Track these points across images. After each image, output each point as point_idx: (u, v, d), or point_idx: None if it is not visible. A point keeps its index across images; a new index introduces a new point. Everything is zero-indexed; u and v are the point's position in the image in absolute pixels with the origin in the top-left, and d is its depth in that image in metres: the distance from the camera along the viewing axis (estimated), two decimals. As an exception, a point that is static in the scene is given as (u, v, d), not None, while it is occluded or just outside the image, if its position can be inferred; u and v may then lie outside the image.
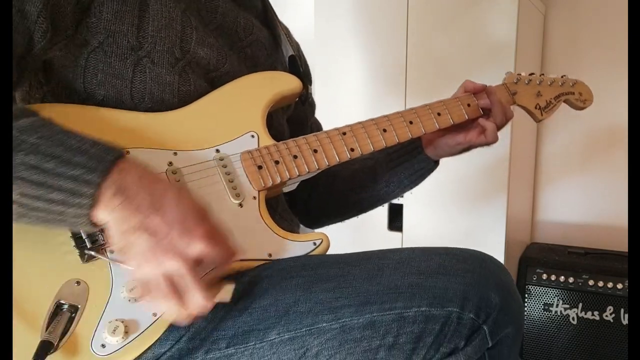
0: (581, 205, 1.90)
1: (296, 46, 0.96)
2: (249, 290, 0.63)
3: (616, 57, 1.78)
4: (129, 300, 0.59)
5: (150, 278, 0.54)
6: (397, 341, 0.59)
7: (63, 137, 0.55)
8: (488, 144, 0.88)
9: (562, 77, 0.94)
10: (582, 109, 0.96)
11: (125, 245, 0.54)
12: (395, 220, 1.72)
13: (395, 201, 1.71)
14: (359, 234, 1.75)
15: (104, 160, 0.54)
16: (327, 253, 0.72)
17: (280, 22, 0.92)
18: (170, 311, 0.55)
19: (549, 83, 0.93)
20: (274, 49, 0.87)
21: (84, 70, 0.66)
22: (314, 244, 0.70)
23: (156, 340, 0.59)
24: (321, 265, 0.65)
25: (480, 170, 1.58)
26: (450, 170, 1.60)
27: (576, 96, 0.95)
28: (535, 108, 0.92)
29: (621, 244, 1.78)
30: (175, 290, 0.54)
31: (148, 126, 0.67)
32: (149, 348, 0.59)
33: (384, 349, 0.59)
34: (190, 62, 0.71)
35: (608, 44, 1.80)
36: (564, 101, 0.95)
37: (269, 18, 0.89)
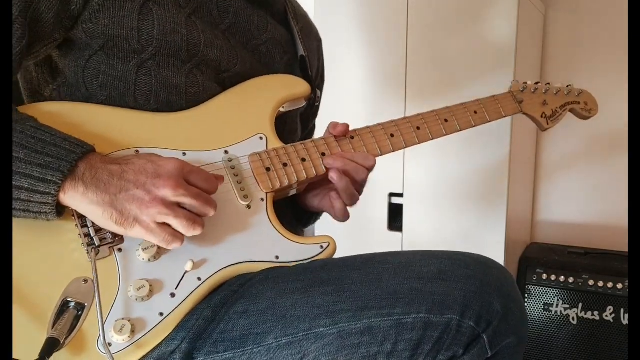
0: (581, 205, 1.89)
1: (315, 45, 0.94)
2: (248, 293, 0.63)
3: (616, 56, 1.78)
4: (136, 299, 0.60)
5: (162, 218, 0.58)
6: (396, 348, 0.58)
7: (35, 132, 0.57)
8: (338, 220, 0.79)
9: (567, 86, 0.95)
10: (587, 118, 0.97)
11: (121, 218, 0.57)
12: (395, 220, 1.72)
13: (395, 201, 1.71)
14: (359, 234, 1.75)
15: (74, 152, 0.57)
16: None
17: (302, 19, 0.91)
18: (198, 228, 0.60)
19: (554, 92, 0.93)
20: (291, 46, 0.87)
21: (84, 71, 0.68)
22: (321, 247, 0.70)
23: (162, 340, 0.60)
24: (320, 269, 0.64)
25: (480, 170, 1.58)
26: (450, 171, 1.61)
27: (581, 105, 0.95)
28: (541, 117, 0.92)
29: (621, 244, 1.78)
30: (184, 210, 0.60)
31: (157, 126, 0.68)
32: (155, 348, 0.59)
33: (382, 356, 0.58)
34: (199, 65, 0.71)
35: (608, 43, 1.80)
36: (570, 110, 0.95)
37: (289, 17, 0.88)
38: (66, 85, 0.69)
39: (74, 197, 0.57)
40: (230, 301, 0.63)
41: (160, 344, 0.60)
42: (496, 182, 1.56)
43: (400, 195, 1.69)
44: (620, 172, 1.81)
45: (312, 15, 1.76)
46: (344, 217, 0.77)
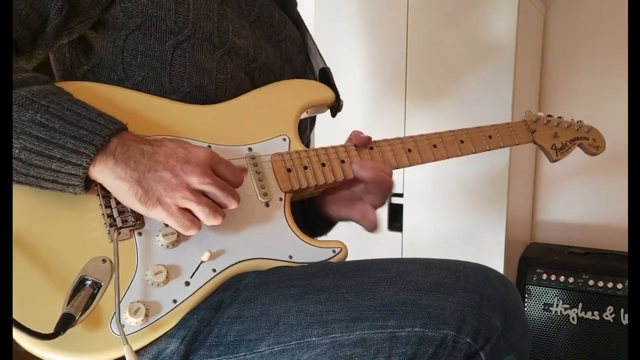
0: (581, 205, 1.90)
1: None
2: (242, 297, 0.63)
3: (616, 56, 1.79)
4: (152, 284, 0.60)
5: (184, 203, 0.58)
6: None
7: (72, 105, 0.58)
8: (366, 230, 0.80)
9: (577, 122, 0.98)
10: (594, 154, 1.00)
11: (145, 197, 0.57)
12: (395, 220, 1.72)
13: (395, 201, 1.71)
14: (359, 234, 1.75)
15: (108, 128, 0.57)
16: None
17: (310, 35, 0.94)
18: (219, 218, 0.60)
19: (565, 126, 0.96)
20: (303, 48, 0.89)
21: (122, 51, 0.69)
22: (334, 251, 0.71)
23: (170, 329, 0.60)
24: (316, 275, 0.64)
25: (481, 170, 1.58)
26: (450, 171, 1.61)
27: (590, 142, 0.98)
28: (552, 148, 0.95)
29: (621, 244, 1.78)
30: (207, 198, 0.60)
31: (186, 116, 0.70)
32: (162, 335, 0.59)
33: None
34: (229, 52, 0.73)
35: (608, 43, 1.80)
36: (579, 145, 0.98)
37: (300, 26, 0.91)
38: (101, 66, 0.70)
39: (102, 171, 0.57)
40: (224, 304, 0.63)
41: (161, 336, 0.60)
42: (496, 182, 1.56)
43: (400, 195, 1.69)
44: (620, 172, 1.81)
45: (312, 14, 1.76)
46: (375, 227, 0.78)
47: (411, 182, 1.67)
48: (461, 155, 0.85)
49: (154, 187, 0.57)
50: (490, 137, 0.88)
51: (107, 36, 0.69)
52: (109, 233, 0.60)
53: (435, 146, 0.83)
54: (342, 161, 0.77)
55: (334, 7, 1.73)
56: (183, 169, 0.58)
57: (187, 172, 0.58)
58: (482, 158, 1.56)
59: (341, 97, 0.86)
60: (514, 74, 1.50)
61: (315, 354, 0.58)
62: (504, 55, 1.50)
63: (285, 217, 0.71)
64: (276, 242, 0.69)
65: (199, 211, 0.59)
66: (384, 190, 0.76)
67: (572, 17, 1.85)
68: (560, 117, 0.97)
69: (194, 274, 0.63)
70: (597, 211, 1.87)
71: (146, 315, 0.58)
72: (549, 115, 0.96)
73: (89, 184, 0.59)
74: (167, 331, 0.60)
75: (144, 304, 0.59)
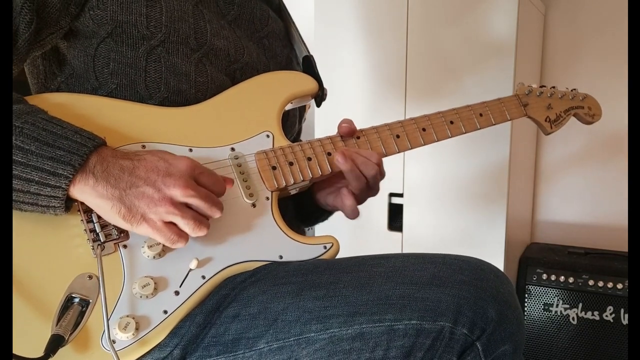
0: (581, 205, 1.90)
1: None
2: (240, 297, 0.63)
3: (616, 57, 1.78)
4: (141, 297, 0.60)
5: (169, 217, 0.58)
6: (388, 355, 0.57)
7: (47, 124, 0.57)
8: (348, 217, 0.79)
9: (571, 90, 0.95)
10: (590, 123, 0.97)
11: (129, 214, 0.57)
12: (395, 220, 1.72)
13: (395, 201, 1.71)
14: (358, 234, 1.75)
15: (85, 145, 0.56)
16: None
17: (293, 22, 0.92)
18: (204, 230, 0.60)
19: (559, 96, 0.93)
20: (287, 41, 0.87)
21: (94, 60, 0.67)
22: (325, 247, 0.70)
23: (162, 340, 0.60)
24: (313, 271, 0.64)
25: (481, 170, 1.58)
26: (450, 171, 1.61)
27: (585, 110, 0.95)
28: (545, 121, 0.92)
29: (621, 244, 1.78)
30: (192, 210, 0.59)
31: (164, 121, 0.68)
32: (154, 347, 0.59)
33: None
34: (208, 54, 0.71)
35: (608, 43, 1.80)
36: (574, 115, 0.96)
37: (283, 14, 0.89)
38: (74, 77, 0.69)
39: (83, 190, 0.56)
40: (222, 305, 0.63)
41: (157, 345, 0.59)
42: (496, 182, 1.56)
43: (400, 195, 1.69)
44: (620, 171, 1.81)
45: (311, 14, 1.76)
46: (353, 214, 0.77)
47: (411, 182, 1.67)
48: (451, 137, 0.82)
49: (136, 204, 0.57)
50: (480, 114, 0.85)
51: (78, 45, 0.68)
52: (92, 248, 0.59)
53: (424, 129, 0.80)
54: (329, 153, 0.74)
55: (334, 8, 1.73)
56: (165, 183, 0.57)
57: (169, 186, 0.57)
58: (482, 158, 1.56)
59: (325, 86, 0.84)
60: (514, 74, 1.50)
61: (314, 349, 0.58)
62: (504, 55, 1.50)
63: (273, 217, 0.69)
64: (265, 242, 0.68)
65: (184, 224, 0.59)
66: (362, 184, 0.74)
67: (572, 17, 1.84)
68: (553, 87, 0.94)
69: (182, 282, 0.62)
70: (597, 211, 1.87)
71: (136, 329, 0.58)
72: (542, 86, 0.93)
73: (70, 204, 0.58)
74: (160, 342, 0.59)
75: (133, 318, 0.58)
